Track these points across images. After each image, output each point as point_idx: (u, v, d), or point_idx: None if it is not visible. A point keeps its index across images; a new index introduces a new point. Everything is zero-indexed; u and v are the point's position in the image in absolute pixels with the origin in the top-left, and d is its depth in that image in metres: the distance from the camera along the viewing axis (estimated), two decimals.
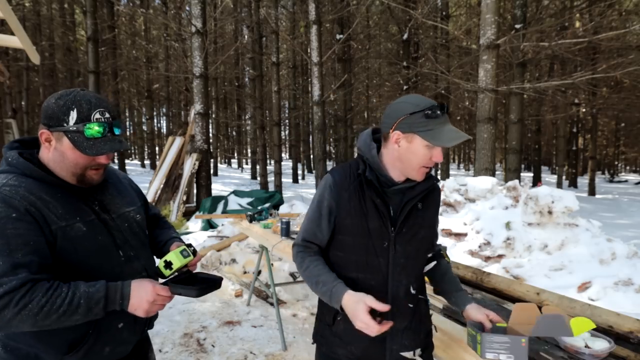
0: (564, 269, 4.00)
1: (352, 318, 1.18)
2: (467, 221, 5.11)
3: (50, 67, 20.72)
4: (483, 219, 4.93)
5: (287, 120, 25.31)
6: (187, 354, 3.15)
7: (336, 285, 1.23)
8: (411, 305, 1.35)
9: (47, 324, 1.03)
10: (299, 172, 24.20)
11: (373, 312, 1.16)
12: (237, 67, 20.90)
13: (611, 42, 10.61)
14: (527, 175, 23.16)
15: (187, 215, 8.70)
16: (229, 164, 35.67)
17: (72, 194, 1.17)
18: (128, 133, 33.81)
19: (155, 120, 27.97)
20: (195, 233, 6.78)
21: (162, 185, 9.02)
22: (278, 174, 15.02)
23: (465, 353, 1.58)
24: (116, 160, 20.39)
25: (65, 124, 1.11)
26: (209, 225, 7.51)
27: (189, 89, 17.81)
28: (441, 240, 4.88)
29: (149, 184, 9.59)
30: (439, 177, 16.23)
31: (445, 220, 5.25)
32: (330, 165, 24.74)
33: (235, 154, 35.27)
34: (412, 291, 1.35)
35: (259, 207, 7.47)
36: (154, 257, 1.43)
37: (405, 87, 14.56)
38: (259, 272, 4.14)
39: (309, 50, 11.79)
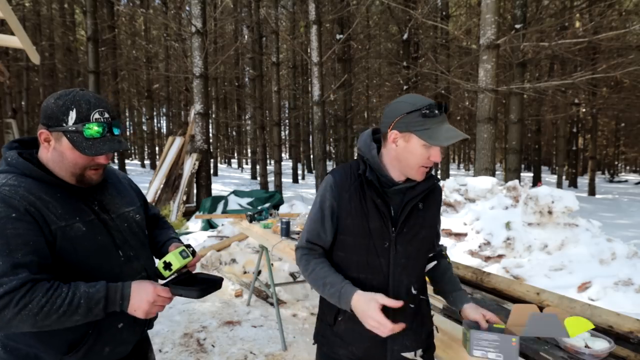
0: (564, 269, 3.99)
1: (363, 317, 1.17)
2: (467, 221, 5.11)
3: (50, 67, 20.73)
4: (483, 219, 4.93)
5: (287, 120, 25.32)
6: (187, 354, 3.15)
7: (345, 286, 1.23)
8: (412, 306, 1.35)
9: (47, 324, 1.03)
10: (299, 172, 24.20)
11: (384, 312, 1.15)
12: (237, 67, 20.90)
13: (611, 42, 10.61)
14: (527, 175, 23.16)
15: (187, 215, 8.70)
16: (229, 164, 35.68)
17: (71, 194, 1.17)
18: (128, 133, 33.82)
19: (155, 120, 27.99)
20: (195, 233, 6.77)
21: (162, 185, 9.02)
22: (278, 174, 15.02)
23: (466, 353, 1.58)
24: (116, 160, 20.40)
25: (64, 124, 1.11)
26: (209, 225, 7.51)
27: (189, 89, 17.81)
28: (442, 241, 4.87)
29: (149, 184, 9.59)
30: (439, 177, 16.21)
31: (445, 220, 5.24)
32: (330, 165, 24.75)
33: (235, 154, 35.28)
34: (414, 291, 1.35)
35: (259, 207, 7.47)
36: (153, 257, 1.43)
37: (405, 87, 14.56)
38: (259, 272, 4.14)
39: (309, 50, 11.80)
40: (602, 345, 1.54)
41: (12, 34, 5.01)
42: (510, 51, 10.82)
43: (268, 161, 17.53)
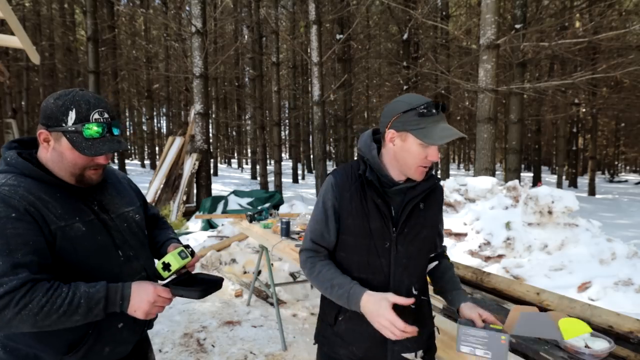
0: (564, 269, 3.99)
1: (373, 317, 1.16)
2: (467, 221, 5.11)
3: (50, 67, 20.73)
4: (483, 219, 4.93)
5: (287, 120, 25.32)
6: (187, 354, 3.15)
7: (353, 287, 1.22)
8: (413, 306, 1.35)
9: (47, 324, 1.03)
10: (299, 172, 24.21)
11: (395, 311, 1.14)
12: (237, 67, 20.90)
13: (611, 42, 10.61)
14: (527, 175, 23.16)
15: (187, 215, 8.70)
16: (229, 164, 35.68)
17: (71, 194, 1.17)
18: (128, 133, 33.84)
19: (155, 120, 27.99)
20: (195, 233, 6.77)
21: (162, 185, 9.02)
22: (278, 174, 15.02)
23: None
24: (116, 160, 20.39)
25: (63, 124, 1.11)
26: (209, 225, 7.51)
27: (189, 89, 17.82)
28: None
29: (149, 184, 9.59)
30: (439, 176, 16.21)
31: (446, 220, 5.24)
32: (330, 165, 24.76)
33: (235, 154, 35.28)
34: (414, 292, 1.35)
35: (259, 207, 7.47)
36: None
37: (405, 87, 14.56)
38: (259, 272, 4.14)
39: (309, 50, 11.80)
40: (602, 345, 1.54)
41: (12, 34, 5.01)
42: (510, 51, 10.83)
43: (268, 161, 17.54)
